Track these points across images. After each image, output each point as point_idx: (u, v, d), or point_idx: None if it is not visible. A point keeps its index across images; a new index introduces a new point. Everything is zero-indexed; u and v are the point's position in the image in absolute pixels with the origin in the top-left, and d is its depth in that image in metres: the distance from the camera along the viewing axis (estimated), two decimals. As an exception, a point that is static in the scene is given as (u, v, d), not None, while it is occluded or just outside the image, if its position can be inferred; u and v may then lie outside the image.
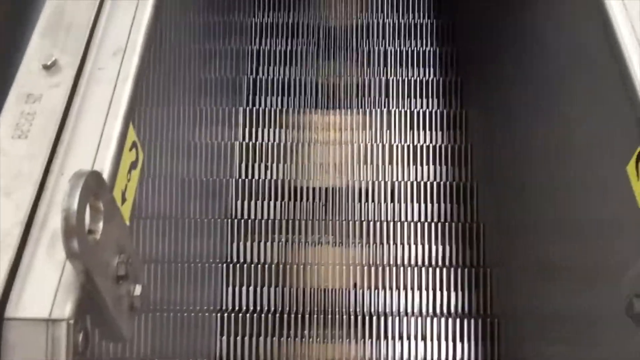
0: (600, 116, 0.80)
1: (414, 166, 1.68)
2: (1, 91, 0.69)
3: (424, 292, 1.47)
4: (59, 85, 0.68)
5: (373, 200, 1.61)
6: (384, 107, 1.83)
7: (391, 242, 1.54)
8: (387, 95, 1.86)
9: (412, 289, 1.47)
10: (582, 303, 0.88)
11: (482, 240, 1.52)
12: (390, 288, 1.47)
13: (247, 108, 1.78)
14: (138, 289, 0.68)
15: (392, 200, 1.61)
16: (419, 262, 1.53)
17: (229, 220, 1.52)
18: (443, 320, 1.41)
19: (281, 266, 1.48)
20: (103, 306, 0.60)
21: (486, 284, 1.45)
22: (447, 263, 1.53)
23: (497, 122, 1.43)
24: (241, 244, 1.53)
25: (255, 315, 1.40)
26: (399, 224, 1.54)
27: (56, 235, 0.60)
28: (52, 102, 0.68)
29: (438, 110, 1.79)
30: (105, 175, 0.64)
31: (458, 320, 1.41)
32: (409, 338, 1.40)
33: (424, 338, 1.40)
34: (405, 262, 1.52)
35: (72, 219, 0.52)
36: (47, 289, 0.58)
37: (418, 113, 1.77)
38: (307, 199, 1.61)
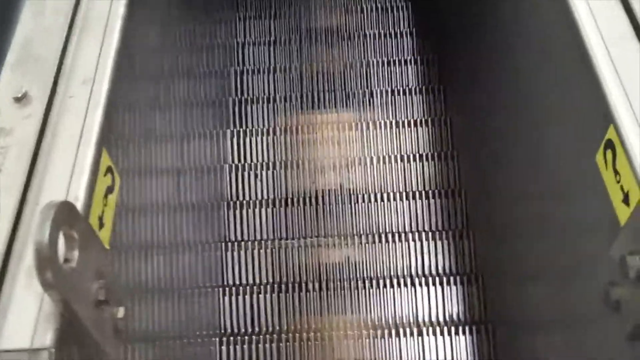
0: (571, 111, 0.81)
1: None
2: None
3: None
4: (30, 116, 0.69)
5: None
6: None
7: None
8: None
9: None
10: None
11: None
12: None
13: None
14: (121, 312, 0.69)
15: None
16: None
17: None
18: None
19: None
20: (85, 332, 0.61)
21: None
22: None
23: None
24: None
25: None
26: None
27: (32, 267, 0.61)
28: (24, 134, 0.69)
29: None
30: (80, 203, 0.65)
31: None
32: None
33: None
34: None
35: (44, 251, 0.53)
36: (27, 320, 0.59)
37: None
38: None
